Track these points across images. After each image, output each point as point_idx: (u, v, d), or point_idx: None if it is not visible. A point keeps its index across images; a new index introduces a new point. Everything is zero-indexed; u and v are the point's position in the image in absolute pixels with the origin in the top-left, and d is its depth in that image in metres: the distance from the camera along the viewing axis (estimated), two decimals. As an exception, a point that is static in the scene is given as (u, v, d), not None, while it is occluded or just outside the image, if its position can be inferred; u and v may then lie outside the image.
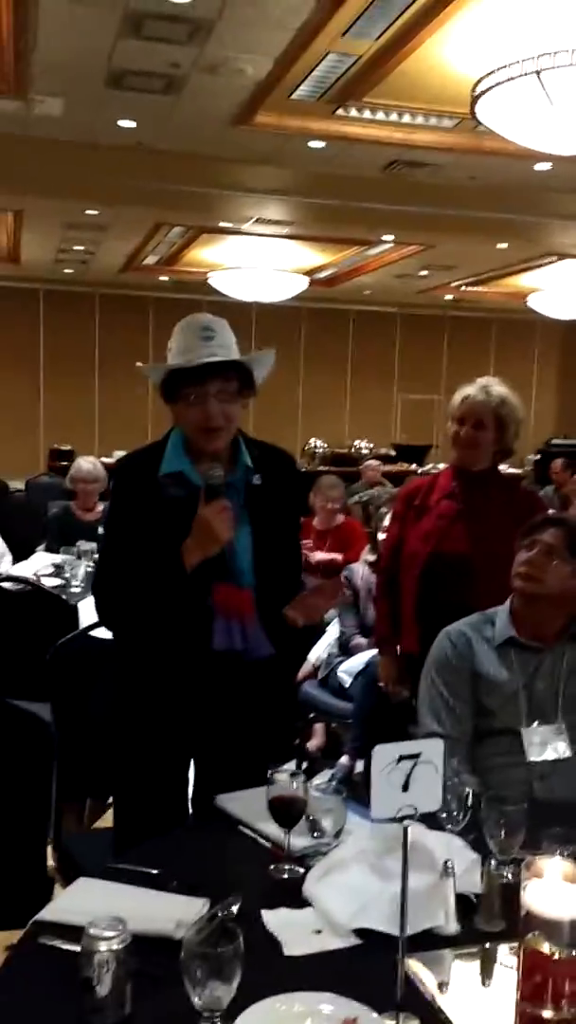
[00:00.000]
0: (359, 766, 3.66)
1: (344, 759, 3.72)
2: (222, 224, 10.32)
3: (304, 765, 3.77)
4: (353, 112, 7.07)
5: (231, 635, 2.13)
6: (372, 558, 4.08)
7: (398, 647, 3.13)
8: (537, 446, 14.40)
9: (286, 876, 1.69)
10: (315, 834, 1.69)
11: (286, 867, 1.70)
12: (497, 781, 1.98)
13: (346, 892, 1.56)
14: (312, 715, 4.07)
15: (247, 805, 1.91)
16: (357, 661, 3.82)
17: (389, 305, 15.63)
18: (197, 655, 2.12)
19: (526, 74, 5.47)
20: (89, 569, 4.35)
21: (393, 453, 12.64)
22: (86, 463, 5.29)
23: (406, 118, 7.13)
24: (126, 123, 7.48)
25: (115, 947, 1.27)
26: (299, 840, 1.71)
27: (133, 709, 2.19)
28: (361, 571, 4.03)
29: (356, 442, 12.18)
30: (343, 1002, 1.29)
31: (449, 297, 15.03)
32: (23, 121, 7.36)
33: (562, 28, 5.21)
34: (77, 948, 1.34)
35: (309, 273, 12.47)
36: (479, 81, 5.79)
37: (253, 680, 2.24)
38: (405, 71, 6.26)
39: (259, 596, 2.17)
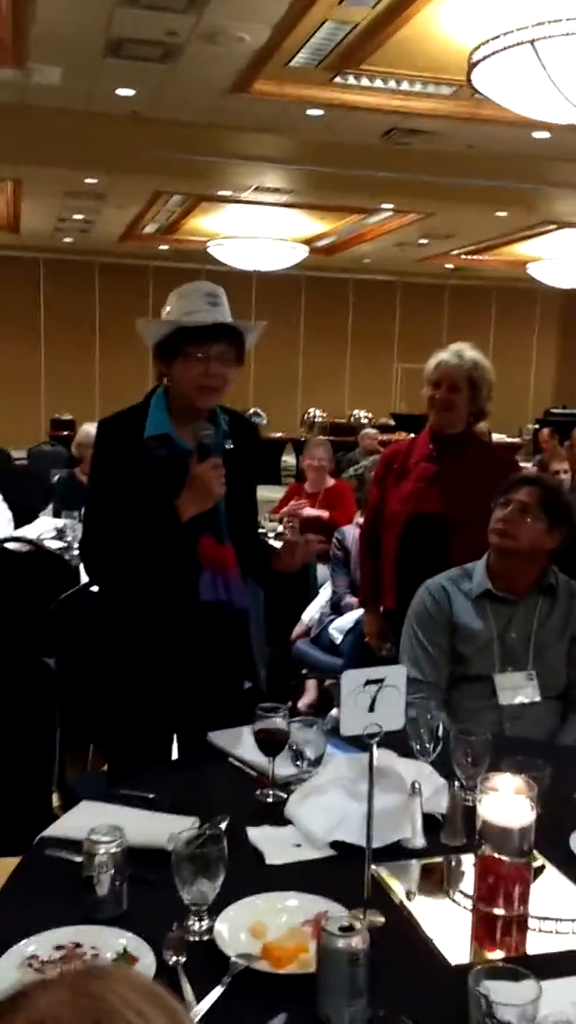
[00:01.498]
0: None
1: (335, 711, 3.86)
2: (221, 192, 10.34)
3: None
4: (351, 80, 7.08)
5: (216, 587, 2.25)
6: (362, 520, 4.21)
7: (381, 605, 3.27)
8: (536, 415, 14.47)
9: (270, 800, 1.82)
10: (297, 762, 1.83)
11: (270, 792, 1.84)
12: (471, 723, 2.11)
13: (323, 811, 1.69)
14: (304, 672, 4.22)
15: (235, 739, 2.06)
16: (347, 619, 3.96)
17: (389, 274, 15.65)
18: (185, 607, 2.24)
19: (522, 43, 5.52)
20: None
21: (392, 423, 12.71)
22: (90, 427, 5.36)
23: (404, 86, 7.15)
24: (124, 91, 7.51)
25: (112, 850, 1.42)
26: (282, 768, 1.85)
27: (121, 660, 2.31)
28: (352, 533, 4.15)
29: (355, 412, 12.25)
30: (315, 899, 1.44)
31: (449, 266, 15.03)
32: (21, 90, 7.39)
33: (557, -3, 5.26)
34: (79, 859, 1.49)
35: (308, 242, 12.49)
36: (475, 49, 5.84)
37: (235, 630, 2.38)
38: (402, 39, 6.29)
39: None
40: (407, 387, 16.42)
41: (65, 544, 4.42)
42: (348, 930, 1.19)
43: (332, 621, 4.05)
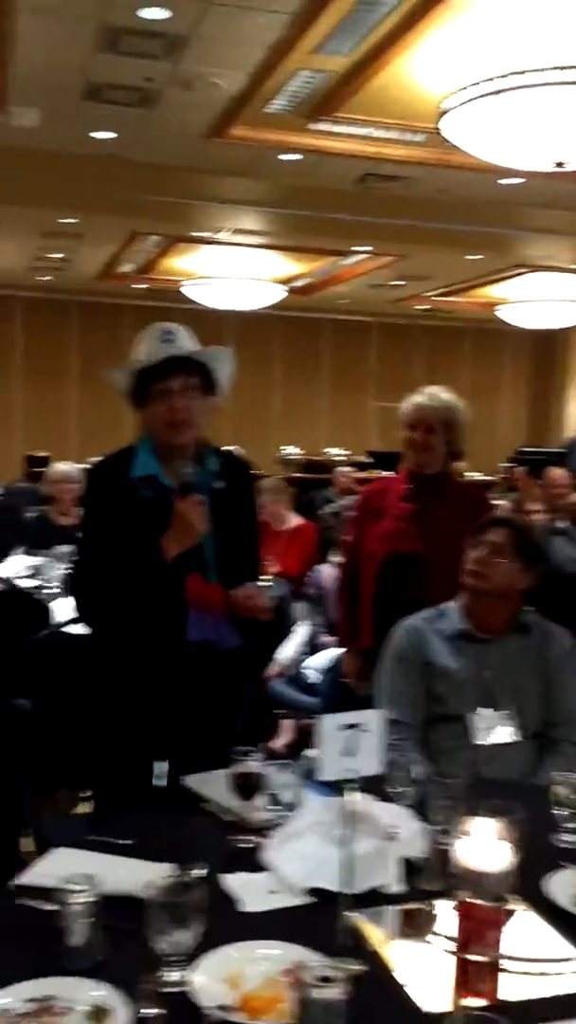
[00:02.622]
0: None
1: (313, 751, 3.85)
2: (197, 234, 10.45)
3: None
4: (326, 126, 7.20)
5: (203, 627, 2.26)
6: (338, 559, 4.23)
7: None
8: (508, 454, 14.58)
9: (245, 846, 1.82)
10: (273, 807, 1.82)
11: (245, 837, 1.84)
12: (447, 763, 2.11)
13: (300, 857, 1.68)
14: (282, 711, 4.20)
15: (211, 784, 2.05)
16: (324, 658, 3.95)
17: (365, 314, 15.80)
18: (172, 647, 2.25)
19: (491, 93, 5.66)
20: (65, 571, 4.44)
21: (369, 460, 12.77)
22: (61, 465, 5.38)
23: (377, 132, 7.28)
24: (103, 135, 7.59)
25: (86, 899, 1.40)
26: (258, 813, 1.84)
27: (109, 701, 2.31)
28: (327, 571, 4.17)
29: (328, 449, 12.32)
30: (292, 948, 1.43)
31: (424, 307, 15.23)
32: (0, 131, 7.47)
33: (528, 46, 5.39)
34: (51, 907, 1.47)
35: (285, 282, 12.61)
36: (444, 99, 5.97)
37: (223, 670, 2.38)
38: (375, 87, 6.42)
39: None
40: (383, 425, 16.53)
41: (40, 583, 4.40)
42: (326, 981, 1.18)
43: (308, 660, 4.05)
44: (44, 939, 1.45)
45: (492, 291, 13.09)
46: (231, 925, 1.50)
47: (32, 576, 4.52)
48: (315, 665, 3.94)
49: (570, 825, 1.85)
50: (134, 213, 9.57)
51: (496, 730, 2.30)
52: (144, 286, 13.92)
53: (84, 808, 2.95)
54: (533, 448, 14.13)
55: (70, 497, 5.34)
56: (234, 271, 11.72)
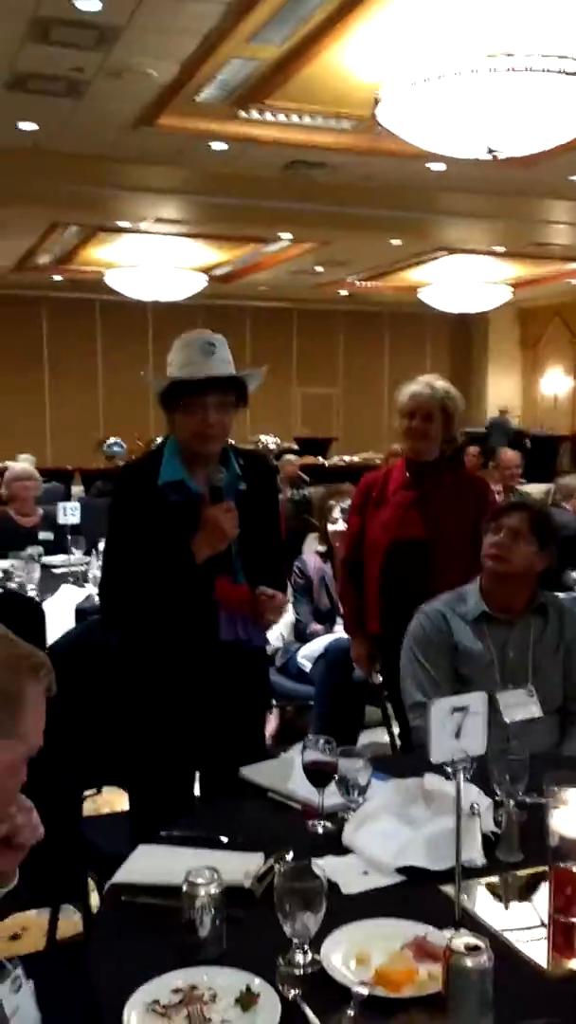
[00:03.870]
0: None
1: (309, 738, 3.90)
2: (120, 223, 10.35)
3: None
4: (255, 114, 7.22)
5: (235, 626, 2.31)
6: (323, 548, 4.31)
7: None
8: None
9: (321, 831, 1.87)
10: (344, 792, 1.88)
11: (321, 823, 1.89)
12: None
13: (382, 838, 1.75)
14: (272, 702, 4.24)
15: (270, 773, 2.10)
16: (316, 646, 4.02)
17: (285, 301, 15.87)
18: (205, 647, 2.29)
19: (425, 81, 5.76)
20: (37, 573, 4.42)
21: (296, 447, 12.87)
22: (19, 463, 5.30)
23: (307, 120, 7.33)
24: (26, 125, 7.47)
25: (212, 891, 1.44)
26: (330, 799, 1.90)
27: (144, 704, 2.33)
28: (312, 561, 4.23)
29: (262, 437, 12.35)
30: (405, 923, 1.49)
31: (343, 292, 15.36)
32: None
33: (459, 36, 5.50)
34: (157, 902, 1.51)
35: (206, 270, 12.57)
36: (381, 87, 6.05)
37: (253, 668, 2.43)
38: (307, 75, 6.46)
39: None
40: (307, 411, 16.65)
41: (16, 585, 4.34)
42: (474, 949, 1.25)
43: (298, 649, 4.10)
44: (160, 934, 1.48)
45: (412, 275, 13.29)
46: (334, 907, 1.55)
47: (4, 580, 4.46)
48: (306, 653, 4.00)
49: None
50: (55, 203, 9.43)
51: (522, 707, 2.39)
52: (61, 278, 13.72)
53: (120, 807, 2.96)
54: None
55: (30, 495, 5.26)
56: (157, 260, 11.64)
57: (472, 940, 1.26)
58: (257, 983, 1.35)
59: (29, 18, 5.56)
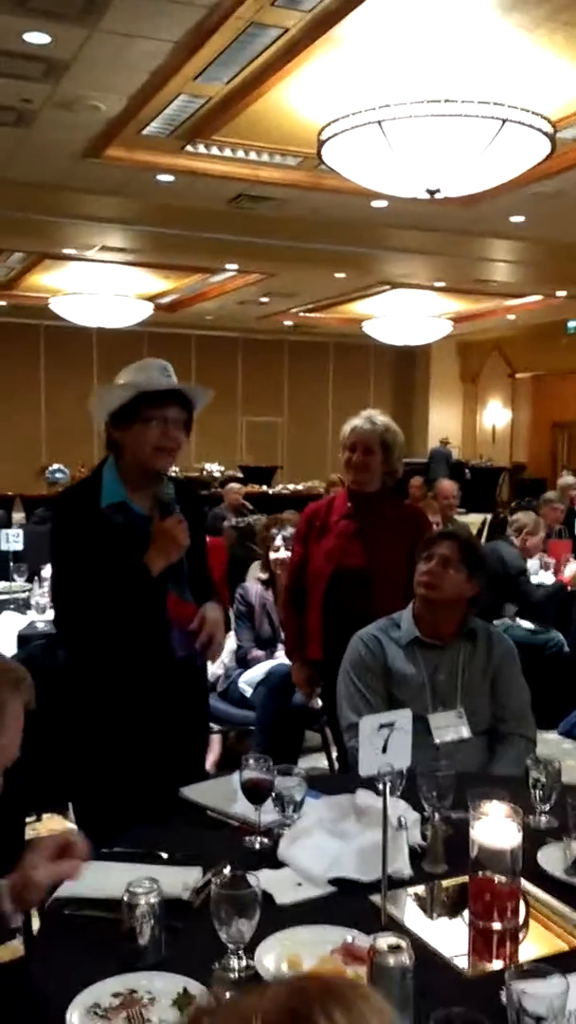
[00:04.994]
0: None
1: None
2: (66, 251, 10.40)
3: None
4: (202, 149, 7.35)
5: (188, 643, 2.39)
6: (264, 576, 4.39)
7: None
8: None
9: (258, 847, 1.93)
10: (280, 809, 1.96)
11: (258, 839, 1.96)
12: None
13: (315, 851, 1.82)
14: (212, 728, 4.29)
15: (208, 793, 2.17)
16: (257, 671, 4.08)
17: (231, 330, 16.01)
18: (160, 664, 2.36)
19: (368, 123, 5.94)
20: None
21: (240, 475, 12.98)
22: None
23: (252, 155, 7.49)
24: (-26, 153, 7.51)
25: (152, 900, 1.51)
26: (266, 816, 1.97)
27: (92, 724, 2.38)
28: (254, 588, 4.31)
29: (207, 465, 12.43)
30: (333, 929, 1.57)
31: (288, 323, 15.56)
32: None
33: (401, 80, 5.70)
34: (99, 915, 1.57)
35: (151, 299, 12.66)
36: (324, 127, 6.23)
37: (201, 684, 2.51)
38: (253, 112, 6.61)
39: None
40: (251, 440, 16.77)
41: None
42: (396, 949, 1.33)
43: (240, 675, 4.17)
44: (100, 943, 1.54)
45: (357, 307, 13.53)
46: (270, 917, 1.63)
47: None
48: (248, 679, 4.06)
49: (546, 807, 2.06)
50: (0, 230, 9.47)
51: (453, 728, 2.50)
52: (4, 303, 13.69)
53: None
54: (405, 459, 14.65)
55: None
56: (102, 288, 11.71)
57: (394, 940, 1.34)
58: (194, 986, 1.42)
59: (-23, 49, 5.63)
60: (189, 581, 2.44)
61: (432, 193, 6.38)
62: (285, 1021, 0.66)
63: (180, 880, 1.70)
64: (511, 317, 14.74)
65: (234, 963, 1.49)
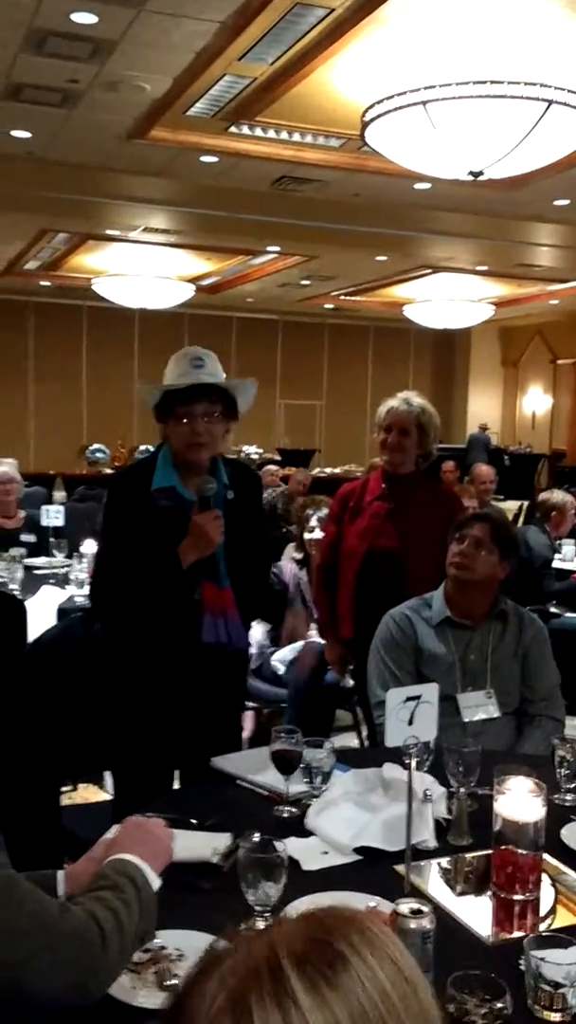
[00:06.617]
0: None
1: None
2: (109, 232, 10.47)
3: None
4: (245, 130, 7.36)
5: (217, 629, 2.42)
6: (299, 556, 4.44)
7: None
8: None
9: (286, 815, 1.99)
10: (309, 780, 2.00)
11: (286, 808, 2.01)
12: (439, 739, 2.31)
13: (342, 822, 1.87)
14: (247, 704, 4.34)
15: (240, 763, 2.22)
16: (289, 650, 4.14)
17: (271, 312, 16.02)
18: (187, 647, 2.40)
19: (413, 104, 5.92)
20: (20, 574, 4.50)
21: (278, 458, 13.00)
22: (0, 467, 5.35)
23: (295, 137, 7.48)
24: (20, 133, 7.58)
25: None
26: (294, 786, 2.02)
27: (128, 696, 2.45)
28: (288, 567, 4.35)
29: (245, 447, 12.47)
30: (357, 896, 1.61)
31: (329, 306, 15.53)
32: None
33: (446, 61, 5.67)
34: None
35: (193, 280, 12.70)
36: (368, 108, 6.21)
37: (232, 670, 2.55)
38: (297, 93, 6.60)
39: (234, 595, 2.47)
40: (290, 422, 16.80)
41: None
42: (418, 913, 1.37)
43: (273, 653, 4.22)
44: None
45: (397, 291, 13.47)
46: (294, 883, 1.66)
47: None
48: (281, 657, 4.11)
49: (571, 785, 2.09)
50: (45, 210, 9.53)
51: (481, 708, 2.53)
52: (49, 283, 13.82)
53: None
54: (440, 445, 14.60)
55: (11, 498, 5.34)
56: (144, 269, 11.76)
57: (416, 905, 1.38)
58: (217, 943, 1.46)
59: (25, 29, 5.68)
60: (239, 566, 2.47)
61: (475, 175, 6.34)
62: (311, 951, 0.69)
63: (210, 845, 1.74)
64: (554, 302, 14.59)
65: (260, 925, 1.53)
